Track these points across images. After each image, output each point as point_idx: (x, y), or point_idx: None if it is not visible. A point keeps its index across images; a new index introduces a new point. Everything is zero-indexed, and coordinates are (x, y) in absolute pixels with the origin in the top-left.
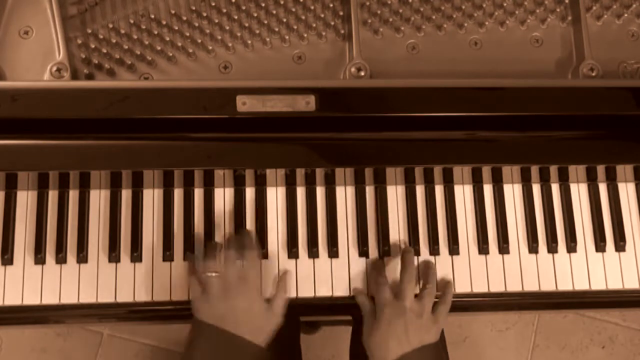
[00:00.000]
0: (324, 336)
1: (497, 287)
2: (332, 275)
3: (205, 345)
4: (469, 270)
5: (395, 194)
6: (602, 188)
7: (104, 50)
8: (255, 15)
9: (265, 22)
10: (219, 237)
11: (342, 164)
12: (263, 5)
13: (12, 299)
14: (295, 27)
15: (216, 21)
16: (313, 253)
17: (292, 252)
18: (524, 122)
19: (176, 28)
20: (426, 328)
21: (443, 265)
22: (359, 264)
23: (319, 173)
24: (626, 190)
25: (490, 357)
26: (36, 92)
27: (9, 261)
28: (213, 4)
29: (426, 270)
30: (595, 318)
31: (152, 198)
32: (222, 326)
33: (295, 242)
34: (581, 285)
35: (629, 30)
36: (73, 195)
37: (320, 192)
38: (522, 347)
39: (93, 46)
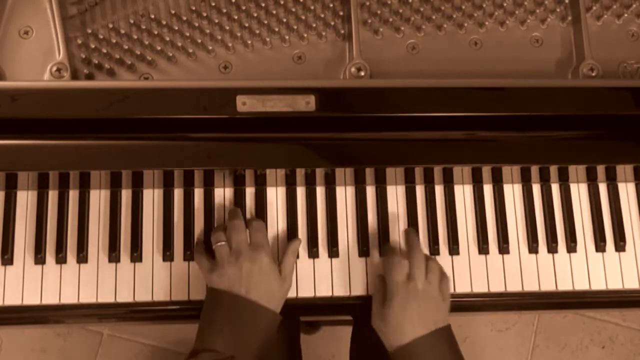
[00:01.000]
0: (324, 336)
1: (497, 287)
2: (332, 275)
3: (220, 310)
4: (469, 270)
5: (395, 194)
6: (602, 188)
7: (104, 50)
8: (255, 15)
9: (265, 22)
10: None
11: (342, 164)
12: (263, 5)
13: (12, 299)
14: (295, 27)
15: (216, 21)
16: (313, 253)
17: None
18: (524, 122)
19: (176, 28)
20: (437, 307)
21: (443, 265)
22: (359, 264)
23: (319, 173)
24: (626, 190)
25: (490, 357)
26: (36, 92)
27: (9, 261)
28: (213, 4)
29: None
30: (595, 318)
31: (152, 198)
32: (236, 291)
33: None
34: (581, 285)
35: (629, 30)
36: (73, 195)
37: (320, 192)
38: (522, 347)
39: (93, 46)
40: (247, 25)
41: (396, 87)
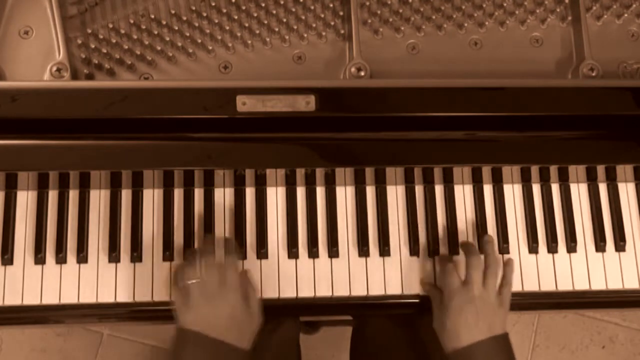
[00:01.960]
0: (324, 336)
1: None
2: (332, 275)
3: (191, 353)
4: None
5: (395, 194)
6: (602, 188)
7: (104, 50)
8: (255, 15)
9: (265, 22)
10: (219, 237)
11: (342, 164)
12: (263, 5)
13: (12, 299)
14: (295, 27)
15: (216, 21)
16: (313, 253)
17: (292, 252)
18: (524, 122)
19: (176, 28)
20: (494, 312)
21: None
22: (359, 264)
23: (319, 173)
24: (626, 190)
25: None
26: (36, 92)
27: (9, 261)
28: (213, 4)
29: (485, 251)
30: (595, 318)
31: (152, 198)
32: (207, 333)
33: (295, 242)
34: (581, 285)
35: (629, 30)
36: (73, 195)
37: (320, 192)
38: (522, 347)
39: (93, 46)
40: (247, 25)
41: (396, 87)
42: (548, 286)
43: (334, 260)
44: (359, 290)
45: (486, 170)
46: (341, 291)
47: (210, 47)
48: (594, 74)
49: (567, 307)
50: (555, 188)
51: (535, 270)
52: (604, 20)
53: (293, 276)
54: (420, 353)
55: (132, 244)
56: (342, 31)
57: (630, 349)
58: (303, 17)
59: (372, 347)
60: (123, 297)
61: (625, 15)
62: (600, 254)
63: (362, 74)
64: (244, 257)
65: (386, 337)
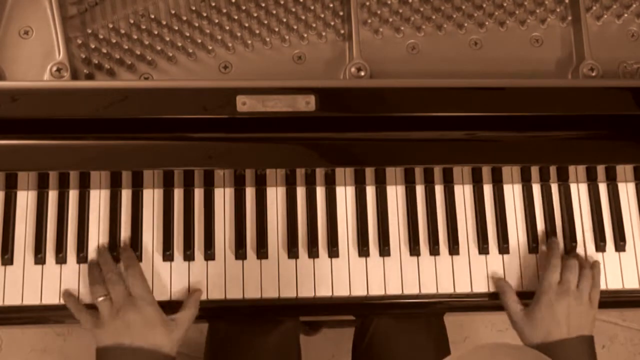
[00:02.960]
0: (325, 337)
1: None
2: (332, 275)
3: None
4: (469, 270)
5: (395, 194)
6: (602, 188)
7: (104, 50)
8: (255, 15)
9: (265, 22)
10: (219, 237)
11: (342, 164)
12: (263, 5)
13: (12, 299)
14: (295, 27)
15: (216, 21)
16: (313, 253)
17: (292, 252)
18: (524, 122)
19: (176, 28)
20: (585, 313)
21: (443, 265)
22: (359, 264)
23: (319, 173)
24: (626, 190)
25: None
26: (36, 92)
27: (9, 261)
28: (213, 4)
29: (579, 256)
30: (595, 318)
31: (152, 198)
32: (123, 342)
33: (295, 242)
34: None
35: (629, 30)
36: (73, 195)
37: (320, 192)
38: None
39: (93, 46)
40: (247, 25)
41: (396, 87)
42: None
43: (334, 260)
44: (359, 290)
45: (486, 170)
46: (341, 291)
47: (210, 47)
48: (594, 74)
49: None
50: (555, 188)
51: (535, 270)
52: (604, 20)
53: (293, 276)
54: (424, 354)
55: (132, 244)
56: (342, 31)
57: (630, 349)
58: (303, 17)
59: (375, 348)
60: None
61: (625, 15)
62: (600, 253)
63: (362, 74)
64: (244, 257)
65: (389, 338)
